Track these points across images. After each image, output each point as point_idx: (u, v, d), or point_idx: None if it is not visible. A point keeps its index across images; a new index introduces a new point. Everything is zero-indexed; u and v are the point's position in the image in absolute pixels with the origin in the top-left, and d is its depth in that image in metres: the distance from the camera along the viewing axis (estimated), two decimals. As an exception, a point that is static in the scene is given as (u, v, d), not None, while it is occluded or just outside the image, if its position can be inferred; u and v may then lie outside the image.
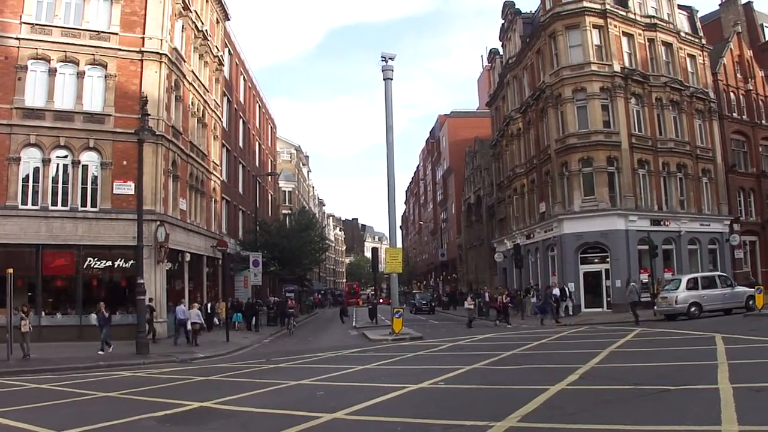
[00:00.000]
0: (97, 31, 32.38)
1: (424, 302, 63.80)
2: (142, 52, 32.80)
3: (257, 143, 67.06)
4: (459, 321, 45.16)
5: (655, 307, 33.05)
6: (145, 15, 33.27)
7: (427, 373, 15.61)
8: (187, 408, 12.28)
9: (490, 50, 65.49)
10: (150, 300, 29.84)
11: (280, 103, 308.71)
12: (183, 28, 37.47)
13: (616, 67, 41.76)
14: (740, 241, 45.35)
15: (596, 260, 40.96)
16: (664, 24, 45.15)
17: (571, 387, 12.18)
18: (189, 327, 30.11)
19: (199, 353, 25.67)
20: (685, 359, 15.63)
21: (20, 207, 30.33)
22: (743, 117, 50.47)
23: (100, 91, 32.35)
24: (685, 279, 32.70)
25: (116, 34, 32.63)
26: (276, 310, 46.05)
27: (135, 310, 27.05)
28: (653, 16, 44.63)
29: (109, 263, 31.92)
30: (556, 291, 38.28)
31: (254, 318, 40.45)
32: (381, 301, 71.58)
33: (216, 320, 37.40)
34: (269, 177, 71.72)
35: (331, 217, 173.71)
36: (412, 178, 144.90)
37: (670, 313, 31.49)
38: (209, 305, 37.09)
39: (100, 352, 24.71)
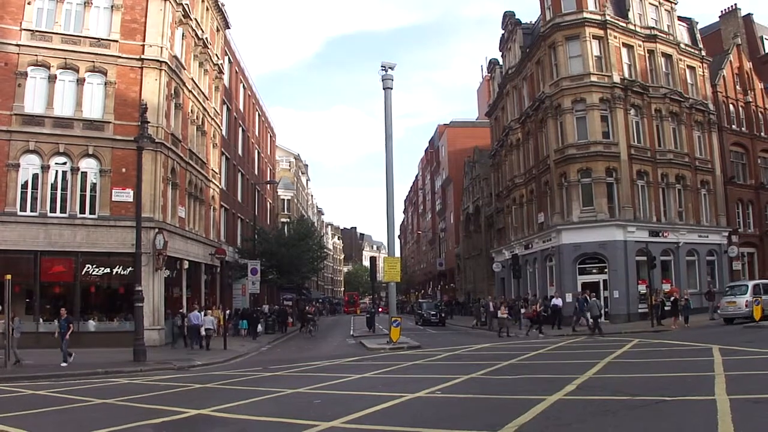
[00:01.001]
0: (98, 39, 32.45)
1: (433, 313, 55.90)
2: (142, 59, 32.85)
3: (256, 151, 67.07)
4: (457, 331, 45.22)
5: (719, 311, 34.11)
6: (146, 23, 33.34)
7: (424, 382, 15.60)
8: (185, 415, 12.26)
9: (490, 60, 65.61)
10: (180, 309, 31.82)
11: (279, 111, 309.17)
12: (183, 36, 37.55)
13: (616, 78, 41.86)
14: (738, 253, 45.46)
15: (594, 271, 40.95)
16: (664, 35, 45.29)
17: (568, 397, 12.17)
18: (203, 333, 31.72)
19: (196, 360, 25.60)
20: (683, 370, 15.62)
21: (19, 213, 30.30)
22: (742, 129, 50.62)
23: (100, 98, 32.39)
24: (751, 284, 33.76)
25: (116, 41, 32.69)
26: (275, 318, 46.11)
27: (133, 317, 26.93)
28: (653, 28, 44.77)
29: (108, 270, 31.81)
30: (557, 302, 38.25)
31: (256, 325, 40.48)
32: (381, 310, 71.32)
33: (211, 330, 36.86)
34: (268, 185, 71.72)
35: (329, 226, 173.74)
36: (411, 187, 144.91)
37: (735, 316, 32.48)
38: (200, 314, 36.30)
39: (63, 364, 23.05)
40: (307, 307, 54.11)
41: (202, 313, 33.12)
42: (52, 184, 31.33)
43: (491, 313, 41.84)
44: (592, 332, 32.65)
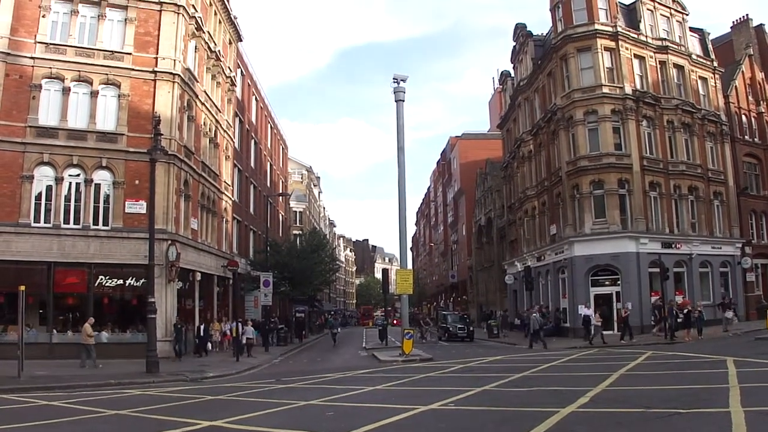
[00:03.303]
0: (111, 51, 32.65)
1: (461, 326, 49.18)
2: (155, 72, 33.04)
3: (269, 164, 67.25)
4: (468, 343, 45.00)
5: None
6: (159, 35, 33.55)
7: (437, 394, 15.56)
8: (197, 427, 12.25)
9: (502, 72, 65.68)
10: (177, 318, 31.15)
11: (286, 124, 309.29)
12: (196, 48, 37.76)
13: (628, 90, 41.84)
14: (752, 264, 45.18)
15: (607, 283, 40.82)
16: (676, 46, 45.25)
17: (581, 410, 12.12)
18: (244, 341, 34.08)
19: (209, 372, 25.65)
20: (697, 382, 15.56)
21: (33, 225, 30.45)
22: (755, 140, 50.47)
23: (113, 110, 32.55)
24: None
25: (130, 54, 32.87)
26: (287, 330, 46.40)
27: (145, 328, 26.98)
28: (665, 39, 44.75)
29: (120, 282, 31.89)
30: (588, 312, 37.57)
31: (269, 337, 40.53)
32: (395, 322, 70.86)
33: (209, 344, 35.92)
34: (280, 197, 71.79)
35: (341, 238, 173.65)
36: (423, 199, 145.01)
37: None
38: (201, 327, 35.61)
39: None
40: (420, 314, 54.75)
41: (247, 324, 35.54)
42: (65, 196, 31.45)
43: (538, 323, 40.46)
44: (530, 346, 35.03)
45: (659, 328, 35.32)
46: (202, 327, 35.13)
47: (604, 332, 36.28)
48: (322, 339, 55.98)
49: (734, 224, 46.21)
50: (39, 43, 31.49)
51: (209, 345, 35.74)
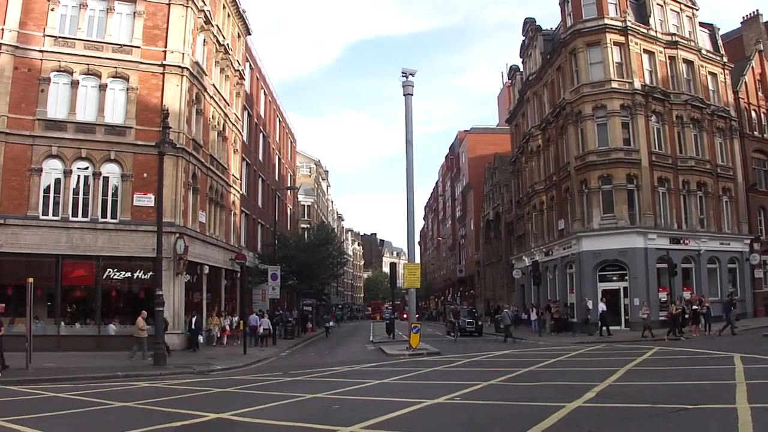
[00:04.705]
0: (120, 45, 32.68)
1: (469, 321, 48.79)
2: (163, 65, 33.08)
3: (277, 157, 67.27)
4: (476, 337, 45.00)
5: None
6: (167, 29, 33.57)
7: (443, 388, 15.57)
8: (204, 419, 12.30)
9: (511, 67, 65.37)
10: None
11: (296, 117, 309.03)
12: (204, 42, 37.77)
13: (637, 85, 41.64)
14: (760, 261, 45.01)
15: (615, 278, 40.70)
16: (686, 42, 45.01)
17: (587, 404, 12.11)
18: (261, 332, 37.48)
19: (216, 365, 25.69)
20: (703, 378, 15.54)
21: (41, 217, 30.55)
22: (764, 135, 50.18)
23: (122, 103, 32.61)
24: None
25: (138, 47, 32.91)
26: (294, 324, 46.48)
27: (153, 321, 27.03)
28: (674, 34, 44.51)
29: (128, 274, 32.01)
30: (602, 306, 37.52)
31: (276, 330, 40.60)
32: (405, 316, 70.84)
33: (201, 338, 33.80)
34: (288, 191, 71.80)
35: (349, 232, 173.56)
36: (431, 193, 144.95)
37: None
38: (194, 320, 33.25)
39: None
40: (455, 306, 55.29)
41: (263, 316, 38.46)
42: (74, 189, 31.55)
43: (510, 319, 41.16)
44: (504, 340, 37.81)
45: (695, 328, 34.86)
46: (194, 320, 33.26)
47: (612, 327, 36.34)
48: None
49: (743, 220, 46.02)
50: (48, 36, 31.57)
51: (200, 338, 33.77)
